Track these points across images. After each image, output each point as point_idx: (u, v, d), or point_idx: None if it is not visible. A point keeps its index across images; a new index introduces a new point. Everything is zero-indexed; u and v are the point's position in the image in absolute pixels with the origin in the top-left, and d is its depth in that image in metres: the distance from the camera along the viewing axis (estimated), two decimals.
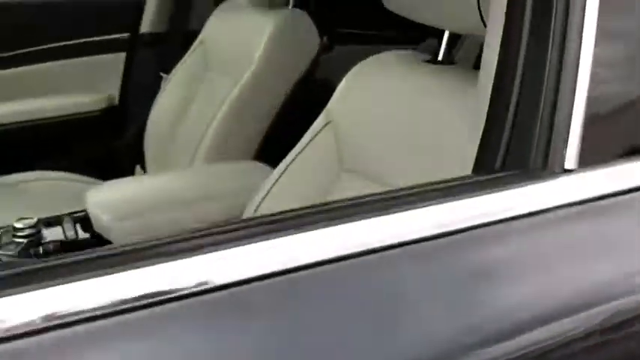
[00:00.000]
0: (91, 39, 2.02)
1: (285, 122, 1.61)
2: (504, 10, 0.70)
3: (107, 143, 2.11)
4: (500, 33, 0.70)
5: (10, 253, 1.17)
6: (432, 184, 0.65)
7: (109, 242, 1.21)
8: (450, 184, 0.64)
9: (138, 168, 2.02)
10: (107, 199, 1.25)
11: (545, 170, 0.66)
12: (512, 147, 0.67)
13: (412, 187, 0.63)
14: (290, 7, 1.67)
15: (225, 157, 1.54)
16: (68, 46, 1.99)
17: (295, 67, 1.59)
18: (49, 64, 1.98)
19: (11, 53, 1.91)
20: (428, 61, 1.09)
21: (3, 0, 2.04)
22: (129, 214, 1.22)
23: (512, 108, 0.66)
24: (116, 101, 2.11)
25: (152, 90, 1.98)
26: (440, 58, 1.07)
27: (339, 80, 1.16)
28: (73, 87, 2.03)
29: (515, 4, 0.68)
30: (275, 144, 1.57)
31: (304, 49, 1.60)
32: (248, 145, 1.58)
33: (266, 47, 1.56)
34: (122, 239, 1.21)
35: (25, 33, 1.93)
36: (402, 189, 0.63)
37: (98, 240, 1.22)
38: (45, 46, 1.96)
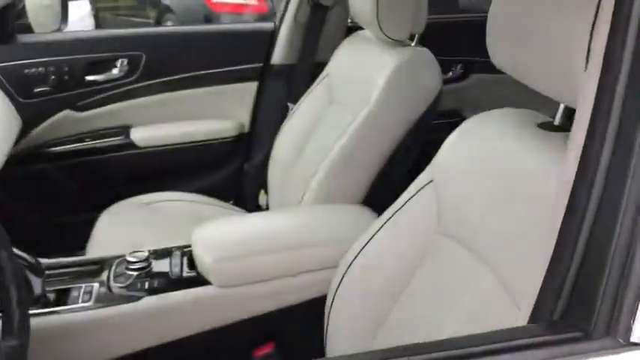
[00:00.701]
0: (227, 69, 2.12)
1: (399, 165, 1.56)
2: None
3: (236, 168, 2.20)
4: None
5: (120, 285, 1.26)
6: (485, 335, 0.57)
7: (209, 283, 1.25)
8: (504, 338, 0.56)
9: (262, 192, 2.09)
10: (211, 240, 1.29)
11: (608, 338, 0.55)
12: (575, 299, 0.57)
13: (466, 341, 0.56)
14: (414, 43, 1.60)
15: (334, 196, 1.52)
16: (206, 75, 2.11)
17: (413, 109, 1.53)
18: (188, 91, 2.10)
19: (156, 81, 2.07)
20: (543, 124, 0.97)
21: (153, 31, 2.22)
22: (230, 257, 1.24)
23: (578, 255, 0.56)
24: (246, 128, 2.19)
25: (279, 119, 2.03)
26: (556, 122, 0.95)
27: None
28: (209, 113, 2.15)
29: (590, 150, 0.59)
30: (386, 186, 1.53)
31: (424, 91, 1.54)
32: (357, 185, 1.54)
33: (384, 87, 1.52)
34: (221, 281, 1.25)
35: (169, 61, 2.08)
36: (453, 341, 0.57)
37: (201, 279, 1.26)
38: (185, 75, 2.08)
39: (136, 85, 2.05)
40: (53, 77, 1.94)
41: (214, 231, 1.33)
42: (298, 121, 1.89)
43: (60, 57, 1.95)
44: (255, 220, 1.44)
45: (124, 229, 1.74)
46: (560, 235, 0.60)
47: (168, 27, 2.19)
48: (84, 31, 2.24)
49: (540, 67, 0.83)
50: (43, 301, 1.21)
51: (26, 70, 1.91)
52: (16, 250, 1.17)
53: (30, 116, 1.93)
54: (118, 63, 2.03)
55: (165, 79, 2.08)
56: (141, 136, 2.07)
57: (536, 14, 0.80)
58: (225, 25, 2.36)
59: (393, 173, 1.54)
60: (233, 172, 2.20)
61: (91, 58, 1.99)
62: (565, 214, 0.60)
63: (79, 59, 1.98)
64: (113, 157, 2.05)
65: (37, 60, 1.93)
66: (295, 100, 1.98)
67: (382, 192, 1.48)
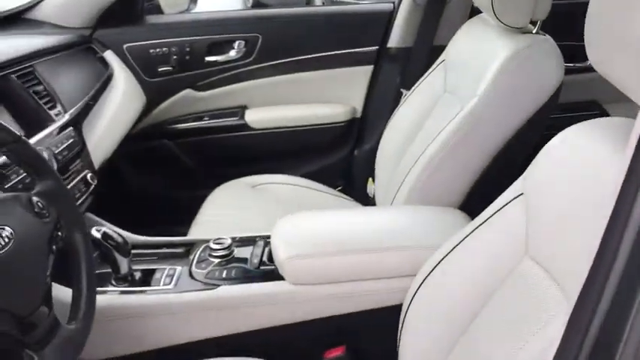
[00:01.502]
0: (343, 51, 2.07)
1: (506, 167, 1.41)
2: None
3: (346, 154, 2.15)
4: None
5: (201, 271, 1.28)
6: None
7: (281, 278, 1.23)
8: None
9: (370, 181, 2.02)
10: (289, 235, 1.26)
11: None
12: None
13: None
14: (535, 30, 1.42)
15: (428, 196, 1.42)
16: (321, 58, 2.07)
17: (527, 103, 1.36)
18: (302, 74, 2.08)
19: (272, 63, 2.07)
20: None
21: (269, 13, 2.22)
22: (305, 255, 1.21)
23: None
24: (358, 114, 2.13)
25: (392, 105, 1.94)
26: None
27: None
28: (322, 97, 2.12)
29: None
30: (489, 190, 1.39)
31: (540, 83, 1.36)
32: (455, 186, 1.42)
33: (493, 77, 1.37)
34: (294, 278, 1.22)
35: (285, 44, 2.07)
36: None
37: (277, 273, 1.25)
38: (300, 57, 2.06)
39: (252, 67, 2.07)
40: (175, 57, 2.02)
41: (294, 226, 1.30)
42: (409, 108, 1.79)
43: (182, 38, 2.02)
44: (339, 218, 1.38)
45: (227, 210, 1.78)
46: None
47: (285, 9, 2.16)
48: (205, 12, 2.30)
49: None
50: (129, 280, 1.28)
51: (151, 51, 2.01)
52: (107, 230, 1.23)
53: (153, 94, 2.04)
54: (236, 45, 2.06)
55: (280, 61, 2.08)
56: (255, 117, 2.09)
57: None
58: (342, 7, 2.28)
59: (499, 176, 1.39)
60: (343, 157, 2.15)
61: (210, 40, 2.04)
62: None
63: (200, 40, 2.04)
64: (227, 137, 2.10)
65: (161, 41, 2.01)
66: (409, 86, 1.87)
67: (483, 196, 1.35)
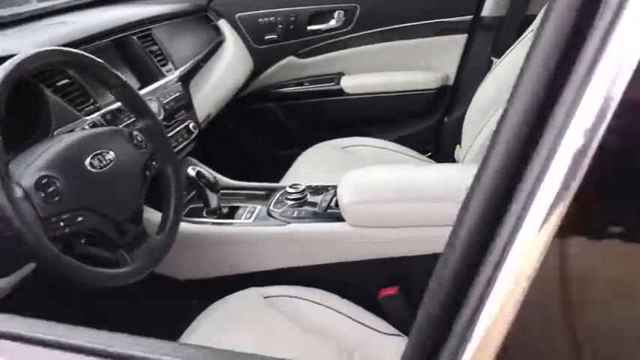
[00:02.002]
0: (437, 20, 2.13)
1: None
2: None
3: (436, 120, 2.22)
4: None
5: (276, 210, 1.45)
6: None
7: (343, 220, 1.37)
8: None
9: (458, 147, 2.08)
10: (353, 182, 1.39)
11: None
12: None
13: None
14: None
15: None
16: (416, 27, 2.15)
17: None
18: (397, 42, 2.18)
19: (368, 32, 2.19)
20: None
21: None
22: (364, 201, 1.34)
23: None
24: (450, 81, 2.18)
25: (483, 73, 1.98)
26: None
27: None
28: (416, 65, 2.20)
29: None
30: None
31: None
32: None
33: None
34: (353, 221, 1.36)
35: (381, 13, 2.17)
36: None
37: (339, 216, 1.39)
38: (396, 26, 2.16)
39: (350, 36, 2.20)
40: (281, 26, 2.21)
41: (360, 175, 1.42)
42: (497, 77, 1.83)
43: (288, 8, 2.20)
44: (399, 171, 1.49)
45: (315, 167, 1.94)
46: None
47: None
48: None
49: None
50: (217, 213, 1.49)
51: (260, 20, 2.21)
52: (202, 169, 1.44)
53: (260, 61, 2.24)
54: (336, 14, 2.19)
55: (376, 30, 2.19)
56: (350, 83, 2.23)
57: None
58: None
59: None
60: (433, 124, 2.23)
61: (313, 10, 2.20)
62: None
63: (304, 10, 2.20)
64: (324, 101, 2.26)
65: (269, 10, 2.21)
66: (499, 55, 1.90)
67: None
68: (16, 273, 1.12)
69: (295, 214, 1.43)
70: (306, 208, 1.45)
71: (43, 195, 0.93)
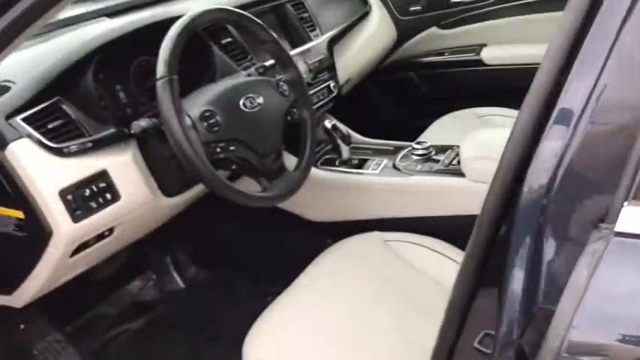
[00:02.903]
0: None
1: None
2: None
3: None
4: None
5: (402, 164, 1.59)
6: None
7: (463, 176, 1.46)
8: None
9: None
10: (474, 140, 1.48)
11: None
12: None
13: None
14: None
15: None
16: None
17: None
18: (539, 15, 2.17)
19: (511, 4, 2.21)
20: None
21: None
22: (482, 157, 1.42)
23: None
24: None
25: None
26: None
27: None
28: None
29: None
30: None
31: None
32: None
33: None
34: (471, 176, 1.45)
35: None
36: None
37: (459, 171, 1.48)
38: None
39: (492, 8, 2.24)
40: None
41: (483, 134, 1.51)
42: None
43: None
44: None
45: (448, 133, 2.03)
46: None
47: None
48: None
49: None
50: (348, 164, 1.66)
51: None
52: (337, 123, 1.62)
53: (403, 31, 2.36)
54: None
55: (518, 2, 2.20)
56: (489, 54, 2.27)
57: None
58: None
59: None
60: None
61: None
62: None
63: None
64: (463, 71, 2.32)
65: None
66: None
67: None
68: (187, 193, 1.38)
69: (419, 168, 1.55)
70: (430, 163, 1.57)
71: (205, 125, 1.15)
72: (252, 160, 1.24)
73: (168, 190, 1.34)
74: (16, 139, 1.11)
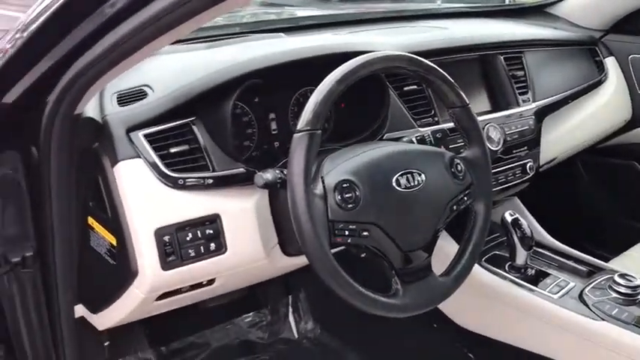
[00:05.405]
0: None
1: None
2: None
3: None
4: None
5: (593, 297, 1.19)
6: None
7: None
8: None
9: None
10: None
11: None
12: None
13: None
14: None
15: None
16: None
17: None
18: None
19: None
20: None
21: None
22: None
23: None
24: None
25: None
26: None
27: None
28: None
29: None
30: None
31: None
32: None
33: None
34: None
35: None
36: None
37: None
38: None
39: None
40: None
41: None
42: None
43: None
44: None
45: None
46: None
47: None
48: None
49: None
50: (522, 272, 1.29)
51: None
52: (520, 219, 1.27)
53: None
54: None
55: None
56: None
57: None
58: None
59: None
60: None
61: None
62: None
63: None
64: None
65: None
66: None
67: None
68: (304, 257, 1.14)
69: (614, 313, 1.14)
70: (634, 309, 1.15)
71: (339, 198, 0.90)
72: (388, 253, 0.96)
73: (290, 249, 1.11)
74: (129, 157, 0.96)
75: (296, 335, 1.72)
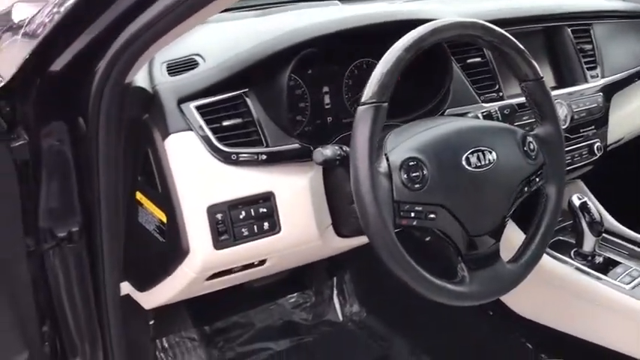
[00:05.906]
0: None
1: None
2: None
3: None
4: None
5: None
6: None
7: None
8: None
9: None
10: None
11: None
12: None
13: None
14: None
15: None
16: None
17: None
18: None
19: None
20: None
21: None
22: None
23: None
24: None
25: None
26: None
27: None
28: None
29: None
30: None
31: None
32: None
33: None
34: None
35: None
36: None
37: None
38: None
39: None
40: None
41: None
42: None
43: None
44: None
45: None
46: None
47: None
48: None
49: None
50: (589, 260, 1.21)
51: None
52: (589, 202, 1.19)
53: None
54: None
55: None
56: None
57: None
58: None
59: None
60: None
61: None
62: None
63: None
64: None
65: None
66: None
67: None
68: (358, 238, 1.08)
69: None
70: None
71: (405, 177, 0.83)
72: (455, 237, 0.88)
73: (343, 230, 1.05)
74: (181, 130, 0.91)
75: (340, 318, 1.68)
